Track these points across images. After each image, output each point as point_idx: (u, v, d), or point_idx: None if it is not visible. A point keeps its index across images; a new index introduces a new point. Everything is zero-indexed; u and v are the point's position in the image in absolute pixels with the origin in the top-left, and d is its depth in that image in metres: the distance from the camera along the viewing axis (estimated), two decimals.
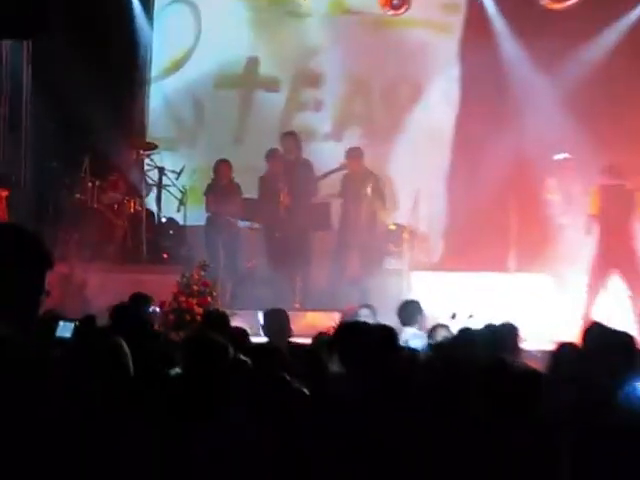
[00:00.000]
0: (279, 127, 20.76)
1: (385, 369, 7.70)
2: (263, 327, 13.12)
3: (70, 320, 10.45)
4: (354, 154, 19.52)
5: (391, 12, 20.69)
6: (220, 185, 19.68)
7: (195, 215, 20.08)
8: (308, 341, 10.82)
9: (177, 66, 21.84)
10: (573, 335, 12.62)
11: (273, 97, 21.72)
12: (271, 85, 21.76)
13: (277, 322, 12.67)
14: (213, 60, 21.58)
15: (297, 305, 17.79)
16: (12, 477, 4.36)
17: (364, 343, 7.96)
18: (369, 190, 19.21)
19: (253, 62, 21.68)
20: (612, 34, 19.84)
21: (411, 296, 15.89)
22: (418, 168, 20.50)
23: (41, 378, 4.77)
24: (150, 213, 20.10)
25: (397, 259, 19.22)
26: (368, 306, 15.22)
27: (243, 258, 19.57)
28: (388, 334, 8.33)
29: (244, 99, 21.90)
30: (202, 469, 6.94)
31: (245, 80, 21.94)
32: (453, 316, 15.52)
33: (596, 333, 9.51)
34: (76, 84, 19.21)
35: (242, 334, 10.94)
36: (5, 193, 17.07)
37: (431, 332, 11.99)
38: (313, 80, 21.54)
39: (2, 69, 19.79)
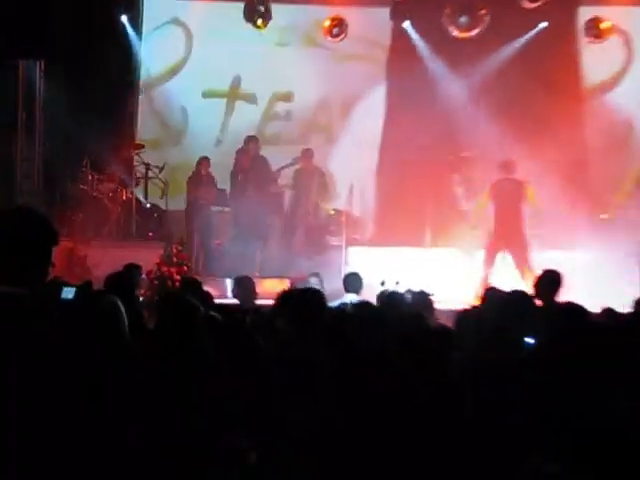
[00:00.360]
0: (256, 133, 20.78)
1: (322, 324, 7.79)
2: (233, 291, 13.20)
3: (72, 285, 10.59)
4: (306, 154, 19.84)
5: (330, 39, 20.80)
6: (199, 177, 19.79)
7: (175, 202, 20.20)
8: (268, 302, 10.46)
9: (165, 79, 21.80)
10: (475, 297, 13.07)
11: (251, 108, 21.73)
12: (250, 98, 21.77)
13: (246, 287, 12.74)
14: (202, 74, 21.59)
15: (257, 274, 17.75)
16: (15, 411, 4.44)
17: (306, 304, 8.03)
18: (315, 183, 19.57)
19: (237, 79, 21.79)
20: (507, 52, 20.06)
21: (348, 267, 16.08)
22: (354, 165, 20.63)
23: (44, 325, 5.03)
24: (138, 200, 20.17)
25: (337, 237, 19.33)
26: (316, 274, 15.32)
27: (214, 236, 19.54)
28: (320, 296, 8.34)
29: (227, 108, 21.90)
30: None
31: (229, 93, 21.93)
32: (382, 283, 15.76)
33: (491, 295, 9.97)
34: (78, 94, 19.36)
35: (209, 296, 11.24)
36: None
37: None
38: (285, 96, 21.61)
39: (19, 82, 19.84)
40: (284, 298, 8.27)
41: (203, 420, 6.66)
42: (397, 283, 15.13)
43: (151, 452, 6.15)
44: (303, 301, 8.14)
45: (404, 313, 9.91)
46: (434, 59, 20.35)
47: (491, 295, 10.30)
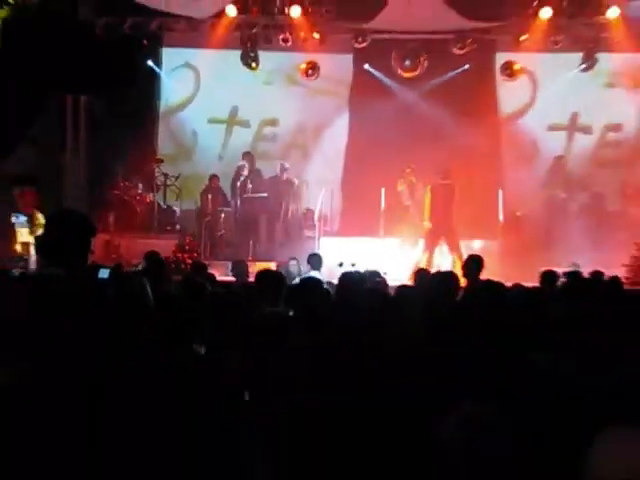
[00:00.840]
0: (249, 150, 20.93)
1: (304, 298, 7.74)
2: (232, 271, 13.47)
3: (107, 267, 10.62)
4: (282, 168, 19.82)
5: (306, 78, 20.74)
6: (210, 189, 19.88)
7: (187, 204, 20.39)
8: None
9: (180, 108, 21.85)
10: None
11: (246, 131, 21.70)
12: (245, 124, 21.75)
13: (241, 269, 12.99)
14: (208, 105, 21.60)
15: (250, 258, 17.78)
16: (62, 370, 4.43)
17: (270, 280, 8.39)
18: (292, 189, 19.69)
19: (235, 109, 21.74)
20: (440, 87, 20.09)
21: (320, 252, 16.10)
22: (324, 175, 20.66)
23: (83, 298, 5.09)
24: (158, 202, 20.14)
25: (311, 230, 19.39)
26: (294, 259, 15.50)
27: (218, 229, 19.60)
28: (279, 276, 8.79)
29: (227, 131, 21.87)
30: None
31: (229, 120, 21.84)
32: (340, 264, 15.90)
33: (421, 275, 10.08)
34: (113, 120, 19.44)
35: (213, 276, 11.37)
36: (32, 191, 16.56)
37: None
38: (272, 122, 21.57)
39: (67, 111, 19.81)
40: (258, 276, 8.65)
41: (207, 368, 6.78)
42: (353, 265, 15.43)
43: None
44: (267, 277, 8.54)
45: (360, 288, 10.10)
46: (386, 93, 20.34)
47: (421, 275, 10.65)
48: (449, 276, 9.22)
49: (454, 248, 17.26)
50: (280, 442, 5.93)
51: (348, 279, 9.14)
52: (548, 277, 10.95)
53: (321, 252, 16.57)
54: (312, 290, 8.01)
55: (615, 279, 10.02)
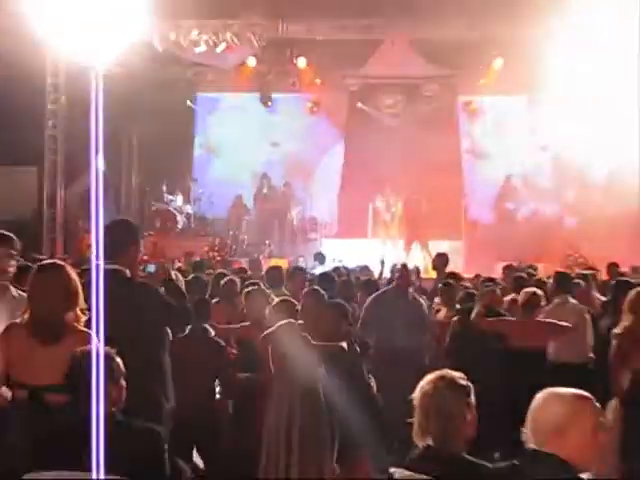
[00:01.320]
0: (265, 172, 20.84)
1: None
2: (249, 266, 13.23)
3: (153, 263, 10.63)
4: (287, 185, 19.95)
5: (310, 113, 20.96)
6: (236, 204, 20.11)
7: (216, 214, 20.39)
8: None
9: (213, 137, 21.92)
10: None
11: (263, 155, 21.43)
12: (263, 149, 21.47)
13: (255, 265, 12.79)
14: (234, 136, 21.26)
15: (267, 255, 17.89)
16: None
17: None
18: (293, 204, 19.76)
19: (254, 137, 21.31)
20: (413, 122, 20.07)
21: (322, 251, 16.12)
22: (325, 190, 20.72)
23: (137, 283, 5.25)
24: (194, 213, 20.22)
25: (315, 233, 19.51)
26: (302, 256, 15.79)
27: (241, 234, 19.59)
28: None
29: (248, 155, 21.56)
30: None
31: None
32: (333, 260, 15.96)
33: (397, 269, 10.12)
34: (158, 150, 19.44)
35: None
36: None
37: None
38: (283, 148, 21.33)
39: (122, 141, 19.82)
40: (267, 270, 9.20)
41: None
42: (340, 261, 15.41)
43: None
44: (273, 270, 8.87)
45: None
46: (374, 125, 20.29)
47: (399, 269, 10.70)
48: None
49: (424, 247, 17.36)
50: None
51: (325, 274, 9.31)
52: (508, 270, 11.33)
53: (323, 250, 16.68)
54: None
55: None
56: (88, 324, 4.49)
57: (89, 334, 4.19)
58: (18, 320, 4.71)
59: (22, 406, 4.45)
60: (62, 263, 4.96)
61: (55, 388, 4.08)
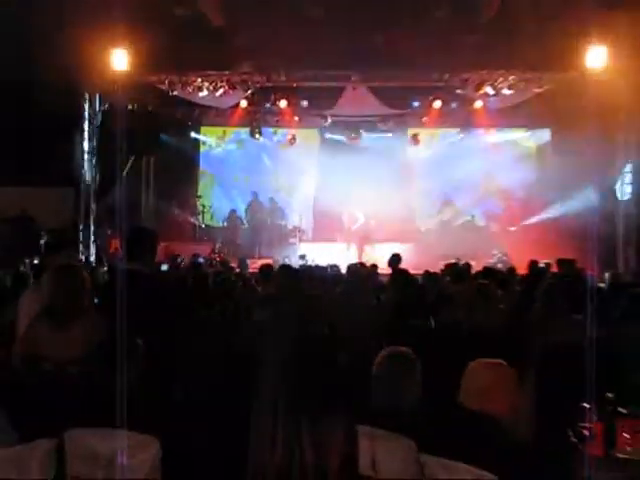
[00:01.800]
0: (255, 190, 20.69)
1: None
2: (238, 265, 13.23)
3: (165, 263, 10.62)
4: (274, 201, 20.00)
5: (290, 144, 20.82)
6: (230, 217, 20.05)
7: (216, 223, 20.28)
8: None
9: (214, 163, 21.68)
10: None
11: (254, 177, 21.17)
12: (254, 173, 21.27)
13: (244, 263, 12.85)
14: (230, 161, 21.28)
15: (256, 256, 17.84)
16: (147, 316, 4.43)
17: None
18: (277, 216, 19.69)
19: (245, 163, 21.36)
20: (374, 147, 19.98)
21: (300, 253, 16.09)
22: (303, 205, 20.73)
23: (156, 280, 5.18)
24: (198, 223, 20.18)
25: (294, 238, 19.43)
26: (286, 256, 15.59)
27: (236, 239, 19.51)
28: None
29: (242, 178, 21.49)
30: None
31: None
32: (301, 257, 15.91)
33: (353, 266, 10.06)
34: (171, 172, 19.37)
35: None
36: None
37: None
38: (268, 172, 21.18)
39: (142, 165, 19.66)
40: (260, 269, 8.84)
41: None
42: (303, 257, 15.78)
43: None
44: (264, 268, 8.68)
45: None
46: (341, 153, 20.07)
47: (353, 265, 10.56)
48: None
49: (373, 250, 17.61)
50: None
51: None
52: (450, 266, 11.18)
53: (301, 252, 16.68)
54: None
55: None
56: (99, 310, 4.59)
57: (98, 318, 4.37)
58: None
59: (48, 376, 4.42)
60: (76, 264, 4.98)
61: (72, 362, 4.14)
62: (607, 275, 9.67)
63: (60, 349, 4.36)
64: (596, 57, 13.55)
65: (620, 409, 3.70)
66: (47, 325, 4.50)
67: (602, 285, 7.77)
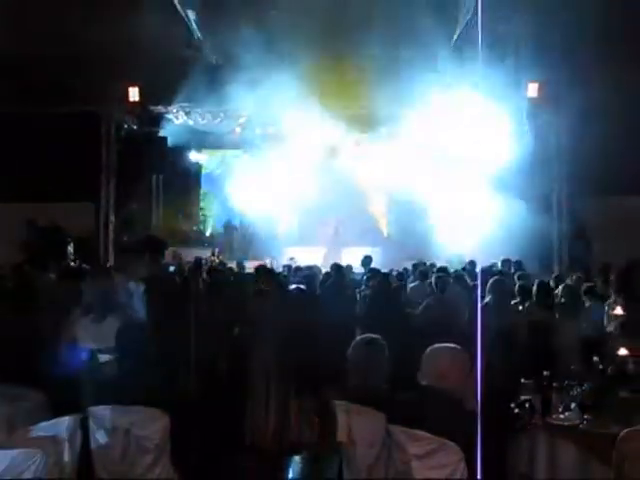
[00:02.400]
0: None
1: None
2: (236, 266, 13.12)
3: (172, 265, 10.56)
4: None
5: None
6: (228, 227, 19.70)
7: (215, 230, 20.03)
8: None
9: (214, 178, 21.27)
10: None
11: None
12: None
13: (241, 265, 12.66)
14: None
15: (251, 258, 17.40)
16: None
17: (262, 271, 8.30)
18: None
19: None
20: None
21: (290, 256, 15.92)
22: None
23: (167, 280, 5.13)
24: (200, 230, 20.06)
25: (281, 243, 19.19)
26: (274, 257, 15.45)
27: (233, 244, 19.34)
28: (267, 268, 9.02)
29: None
30: None
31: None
32: (291, 258, 15.78)
33: (335, 265, 10.01)
34: (177, 190, 19.21)
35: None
36: None
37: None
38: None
39: (152, 182, 19.39)
40: (255, 268, 8.53)
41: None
42: (292, 259, 15.45)
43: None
44: (260, 269, 8.40)
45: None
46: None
47: (335, 265, 10.42)
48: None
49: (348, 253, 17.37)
50: None
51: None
52: (415, 265, 11.17)
53: (289, 255, 16.59)
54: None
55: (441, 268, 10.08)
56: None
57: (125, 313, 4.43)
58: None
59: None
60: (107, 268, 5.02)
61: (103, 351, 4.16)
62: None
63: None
64: None
65: (554, 384, 3.83)
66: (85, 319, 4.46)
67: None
